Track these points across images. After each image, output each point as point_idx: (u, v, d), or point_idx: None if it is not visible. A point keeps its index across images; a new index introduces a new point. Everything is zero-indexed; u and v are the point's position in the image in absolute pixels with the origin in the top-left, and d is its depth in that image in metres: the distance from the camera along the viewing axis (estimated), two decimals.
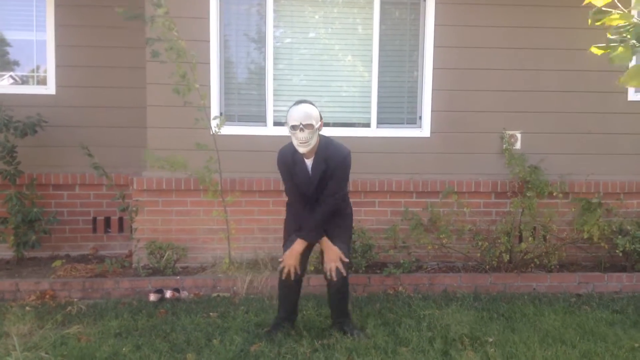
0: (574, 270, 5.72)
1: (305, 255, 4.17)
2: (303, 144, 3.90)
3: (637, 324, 4.51)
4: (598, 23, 2.38)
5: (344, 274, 4.07)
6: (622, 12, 2.33)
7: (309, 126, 3.87)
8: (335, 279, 4.04)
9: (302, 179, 4.07)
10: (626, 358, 3.83)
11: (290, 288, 4.17)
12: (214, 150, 5.23)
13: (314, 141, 3.94)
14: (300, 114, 3.88)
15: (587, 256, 5.92)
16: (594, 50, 2.46)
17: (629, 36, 2.31)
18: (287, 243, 4.15)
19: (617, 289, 5.45)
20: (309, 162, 4.06)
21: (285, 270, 4.08)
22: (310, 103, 4.03)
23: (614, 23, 2.34)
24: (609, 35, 2.44)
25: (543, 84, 5.96)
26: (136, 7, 5.26)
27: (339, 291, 4.14)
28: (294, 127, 3.88)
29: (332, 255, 4.06)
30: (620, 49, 2.31)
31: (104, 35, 6.17)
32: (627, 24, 2.31)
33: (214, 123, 5.37)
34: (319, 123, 3.96)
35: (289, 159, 4.07)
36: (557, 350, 3.94)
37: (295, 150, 4.01)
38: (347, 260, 4.09)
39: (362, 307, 4.75)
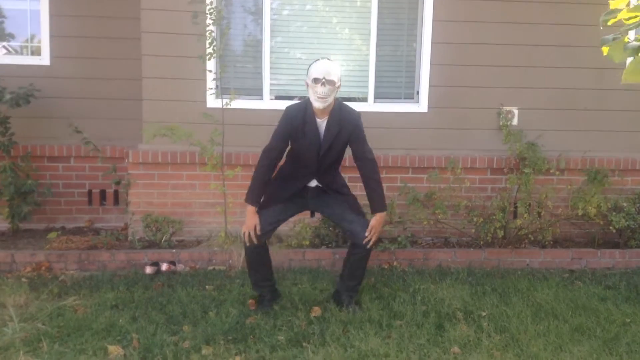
0: (567, 246, 5.78)
1: (277, 222, 4.17)
2: (322, 99, 3.88)
3: (629, 300, 4.57)
4: (609, 23, 2.37)
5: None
6: (633, 6, 2.30)
7: (331, 82, 3.87)
8: (369, 246, 4.08)
9: (311, 140, 4.00)
10: (617, 333, 3.90)
11: (258, 252, 4.15)
12: (211, 123, 5.25)
13: (331, 99, 3.93)
14: (324, 68, 3.89)
15: (581, 232, 5.98)
16: (605, 50, 2.44)
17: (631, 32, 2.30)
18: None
19: (610, 265, 5.52)
20: (320, 123, 4.02)
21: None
22: (336, 62, 4.02)
23: (625, 16, 2.32)
24: (603, 26, 2.42)
25: (540, 60, 5.96)
26: None
27: (365, 257, 4.17)
28: (316, 80, 3.86)
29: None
30: (617, 43, 2.30)
31: (100, 5, 6.13)
32: (636, 19, 2.30)
33: (212, 96, 5.40)
34: (339, 83, 3.96)
35: (299, 117, 4.00)
36: (550, 324, 4.01)
37: (307, 109, 3.98)
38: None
39: None
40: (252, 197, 4.08)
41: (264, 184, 4.09)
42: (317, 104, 3.91)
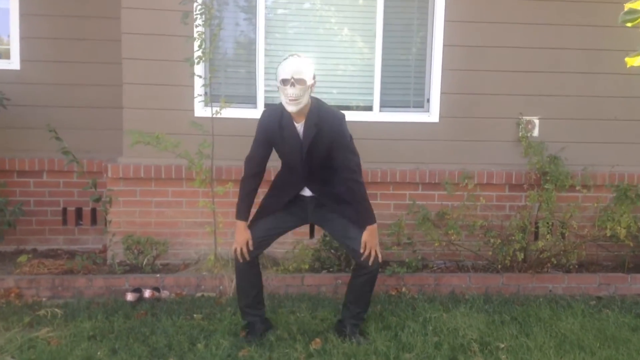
0: (594, 270, 5.84)
1: (270, 235, 4.30)
2: (293, 102, 3.89)
3: None
4: (630, 25, 2.44)
5: (380, 260, 4.17)
6: None
7: (301, 82, 3.87)
8: (379, 259, 4.13)
9: (291, 145, 4.08)
10: None
11: (247, 271, 4.26)
12: (199, 134, 5.31)
13: (304, 100, 3.93)
14: (292, 66, 3.90)
15: (608, 255, 6.04)
16: (629, 61, 2.51)
17: None
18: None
19: None
20: (299, 127, 4.07)
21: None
22: (307, 58, 4.06)
23: None
24: None
25: (564, 65, 6.04)
26: None
27: (370, 280, 4.23)
28: (284, 82, 3.88)
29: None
30: None
31: (76, 3, 6.20)
32: None
33: (201, 104, 5.47)
34: (313, 81, 3.99)
35: (275, 122, 4.07)
36: (575, 357, 4.06)
37: (283, 113, 4.03)
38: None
39: None
40: (239, 210, 4.22)
41: (249, 195, 4.23)
42: (289, 108, 3.94)
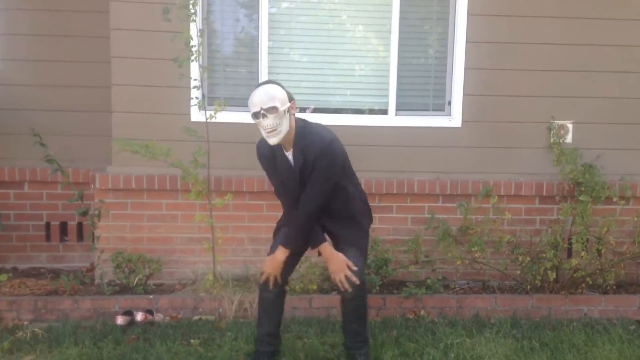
0: (634, 291, 5.83)
1: (289, 264, 4.31)
2: (271, 134, 3.91)
3: None
4: None
5: (357, 282, 4.09)
6: None
7: (273, 110, 3.86)
8: (348, 288, 4.09)
9: (285, 173, 4.14)
10: None
11: (269, 301, 4.33)
12: (195, 140, 5.36)
13: (284, 128, 3.93)
14: (259, 97, 3.90)
15: None
16: None
17: None
18: (273, 247, 4.31)
19: None
20: (289, 155, 4.11)
21: (264, 278, 4.27)
22: (275, 83, 4.06)
23: None
24: None
25: (600, 63, 6.05)
26: None
27: (353, 307, 4.23)
28: (255, 115, 3.91)
29: (336, 265, 4.14)
30: None
31: None
32: None
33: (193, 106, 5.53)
34: (287, 105, 3.96)
35: (267, 151, 4.13)
36: None
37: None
38: (355, 268, 4.09)
39: (376, 334, 4.88)
40: (314, 238, 4.24)
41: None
42: (270, 141, 3.96)
